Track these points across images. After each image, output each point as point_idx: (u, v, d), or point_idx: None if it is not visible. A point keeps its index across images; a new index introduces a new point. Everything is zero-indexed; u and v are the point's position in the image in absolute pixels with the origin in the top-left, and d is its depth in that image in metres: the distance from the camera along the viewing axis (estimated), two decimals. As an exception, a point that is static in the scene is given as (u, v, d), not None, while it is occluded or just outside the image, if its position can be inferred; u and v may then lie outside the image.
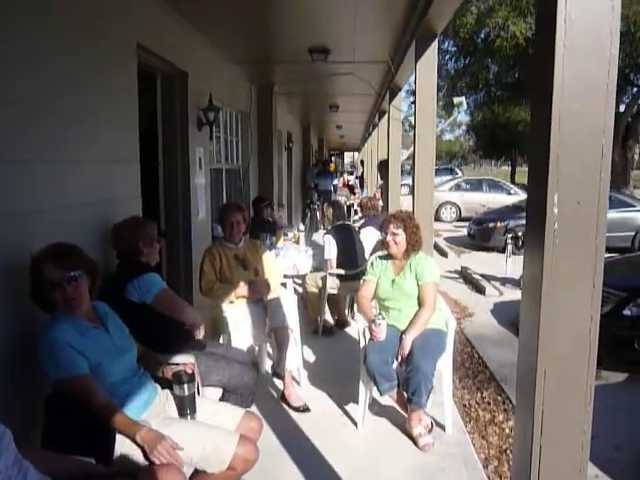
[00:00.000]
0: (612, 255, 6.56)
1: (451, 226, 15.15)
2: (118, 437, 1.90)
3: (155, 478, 1.72)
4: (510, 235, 9.03)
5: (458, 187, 16.79)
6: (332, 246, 4.94)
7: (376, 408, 3.40)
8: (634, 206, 10.26)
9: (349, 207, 11.58)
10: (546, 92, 1.31)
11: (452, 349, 3.19)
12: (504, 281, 7.70)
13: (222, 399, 2.61)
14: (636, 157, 17.49)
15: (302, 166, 14.00)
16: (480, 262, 9.42)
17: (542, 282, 1.35)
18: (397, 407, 3.21)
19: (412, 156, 4.13)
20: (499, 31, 14.07)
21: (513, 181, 24.52)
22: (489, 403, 3.95)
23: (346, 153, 34.07)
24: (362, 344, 3.20)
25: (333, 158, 26.08)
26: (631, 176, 17.06)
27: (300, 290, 5.47)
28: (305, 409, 3.39)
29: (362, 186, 17.07)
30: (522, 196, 14.36)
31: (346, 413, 3.37)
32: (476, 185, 16.90)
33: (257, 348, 3.90)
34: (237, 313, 3.48)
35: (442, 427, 3.16)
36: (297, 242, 5.74)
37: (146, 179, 3.57)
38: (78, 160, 2.66)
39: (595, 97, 1.30)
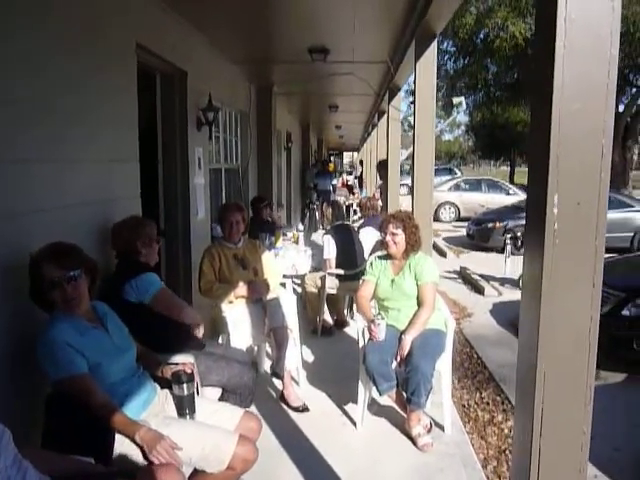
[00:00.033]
0: (611, 255, 6.57)
1: (450, 226, 15.14)
2: (117, 437, 1.90)
3: (154, 478, 1.72)
4: (509, 235, 9.03)
5: (457, 187, 16.79)
6: (331, 246, 4.94)
7: (375, 408, 3.40)
8: (633, 206, 10.28)
9: (348, 207, 11.57)
10: (546, 92, 1.31)
11: (451, 349, 3.19)
12: (503, 281, 7.71)
13: (221, 399, 2.61)
14: (635, 157, 17.52)
15: (301, 166, 13.98)
16: (479, 262, 9.42)
17: (542, 282, 1.35)
18: (396, 407, 3.21)
19: (411, 156, 4.14)
20: (498, 31, 14.12)
21: (512, 181, 24.56)
22: (488, 403, 3.95)
23: (345, 153, 34.11)
24: (361, 344, 3.20)
25: (332, 158, 26.07)
26: (630, 176, 17.11)
27: (299, 290, 5.47)
28: (304, 409, 3.39)
29: (361, 186, 17.07)
30: (521, 196, 14.37)
31: (345, 413, 3.37)
32: (475, 185, 16.90)
33: (256, 348, 3.89)
34: (236, 313, 3.48)
35: (441, 427, 3.16)
36: (296, 242, 5.74)
37: (145, 178, 3.57)
38: (78, 160, 2.66)
39: (595, 97, 1.30)
